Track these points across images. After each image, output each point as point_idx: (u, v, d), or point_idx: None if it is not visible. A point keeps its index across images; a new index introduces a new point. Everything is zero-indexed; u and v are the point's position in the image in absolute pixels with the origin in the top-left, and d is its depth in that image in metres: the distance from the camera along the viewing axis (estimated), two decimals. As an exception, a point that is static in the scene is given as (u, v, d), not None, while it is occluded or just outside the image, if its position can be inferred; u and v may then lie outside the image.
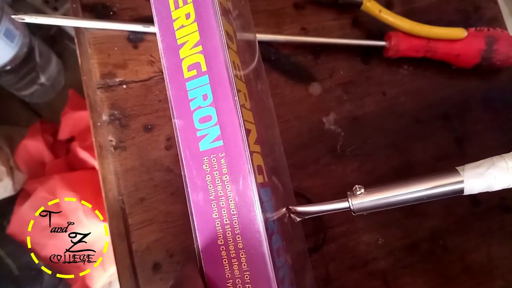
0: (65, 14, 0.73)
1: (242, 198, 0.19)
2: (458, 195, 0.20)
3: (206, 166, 0.19)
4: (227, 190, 0.19)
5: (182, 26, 0.20)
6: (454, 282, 0.32)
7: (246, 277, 0.18)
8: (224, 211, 0.19)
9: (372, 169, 0.33)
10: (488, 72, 0.38)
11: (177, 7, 0.21)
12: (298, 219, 0.23)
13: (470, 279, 0.32)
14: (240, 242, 0.19)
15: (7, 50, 0.63)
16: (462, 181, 0.19)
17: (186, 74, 0.20)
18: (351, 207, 0.21)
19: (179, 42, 0.20)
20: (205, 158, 0.19)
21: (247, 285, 0.18)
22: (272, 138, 0.26)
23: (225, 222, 0.19)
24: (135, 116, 0.30)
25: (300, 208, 0.23)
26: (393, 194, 0.20)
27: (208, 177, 0.19)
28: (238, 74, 0.21)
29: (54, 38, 0.79)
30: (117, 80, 0.30)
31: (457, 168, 0.20)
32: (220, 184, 0.19)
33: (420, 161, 0.34)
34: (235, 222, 0.19)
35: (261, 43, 0.33)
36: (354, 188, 0.21)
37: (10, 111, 0.76)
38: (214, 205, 0.19)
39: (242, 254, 0.18)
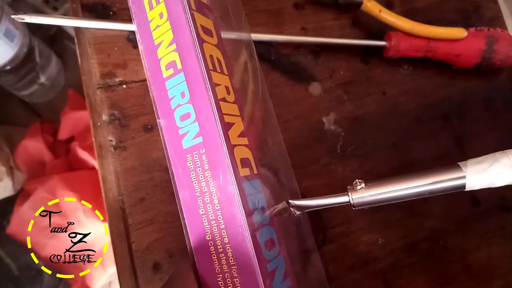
0: (65, 14, 0.73)
1: (224, 193, 0.19)
2: (459, 191, 0.19)
3: (190, 163, 0.19)
4: (210, 186, 0.19)
5: (158, 26, 0.21)
6: (454, 282, 0.32)
7: (234, 271, 0.18)
8: (209, 206, 0.19)
9: (372, 169, 0.33)
10: (488, 72, 0.38)
11: (151, 8, 0.21)
12: (298, 213, 0.23)
13: (470, 279, 0.32)
14: (225, 237, 0.19)
15: (7, 50, 0.62)
16: (464, 177, 0.19)
17: (165, 74, 0.20)
18: (351, 202, 0.21)
19: (156, 42, 0.21)
20: (188, 155, 0.19)
21: (235, 279, 0.18)
22: (268, 130, 0.25)
23: (210, 218, 0.19)
24: (135, 116, 0.30)
25: (300, 202, 0.23)
26: (394, 188, 0.20)
27: (193, 174, 0.19)
28: (217, 67, 0.21)
29: (54, 38, 0.79)
30: (117, 80, 0.30)
31: (459, 163, 0.19)
32: (203, 180, 0.19)
33: (420, 161, 0.34)
34: (220, 217, 0.19)
35: (261, 43, 0.33)
36: (355, 182, 0.21)
37: (10, 111, 0.76)
38: (200, 201, 0.19)
39: (228, 249, 0.19)
